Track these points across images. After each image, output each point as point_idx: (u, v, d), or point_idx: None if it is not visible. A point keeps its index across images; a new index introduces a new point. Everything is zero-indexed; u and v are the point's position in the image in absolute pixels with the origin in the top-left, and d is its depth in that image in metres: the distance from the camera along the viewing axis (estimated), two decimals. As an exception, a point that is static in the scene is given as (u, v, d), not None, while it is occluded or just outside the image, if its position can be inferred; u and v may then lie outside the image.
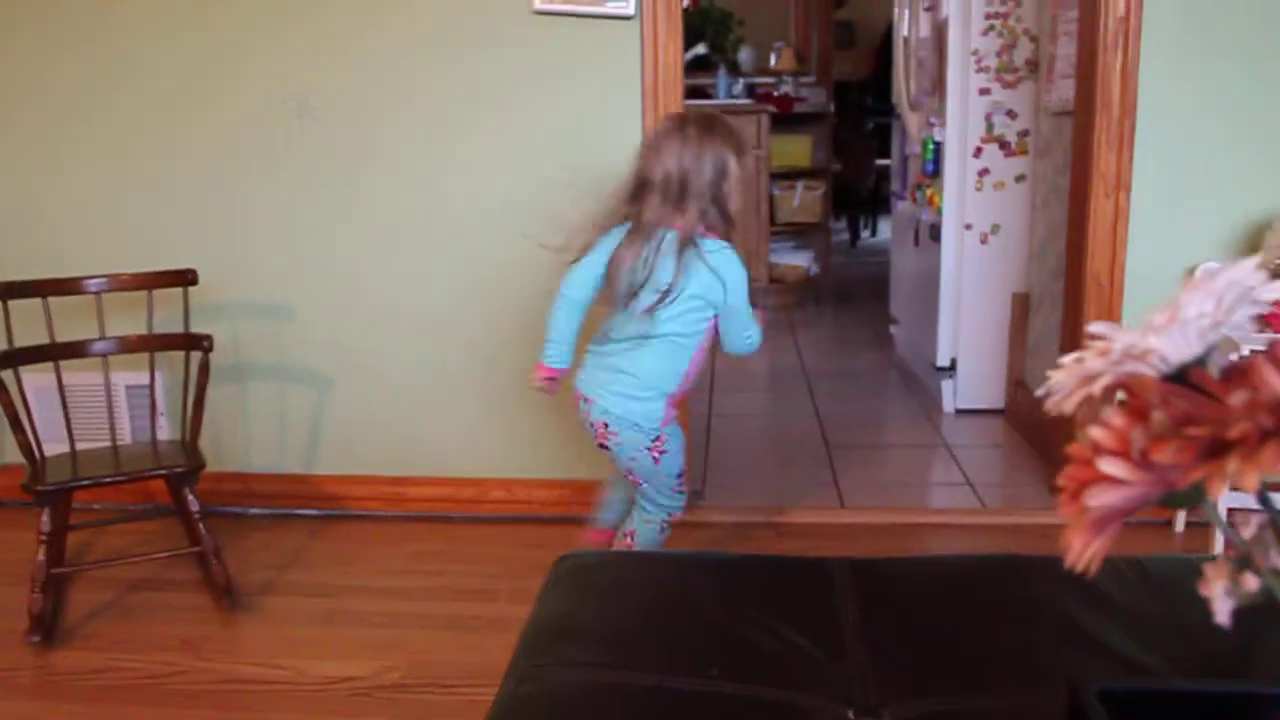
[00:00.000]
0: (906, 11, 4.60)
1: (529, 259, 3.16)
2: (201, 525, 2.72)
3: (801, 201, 5.87)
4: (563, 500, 3.29)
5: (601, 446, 2.48)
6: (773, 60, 6.40)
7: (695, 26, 6.22)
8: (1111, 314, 3.12)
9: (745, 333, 2.43)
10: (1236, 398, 0.56)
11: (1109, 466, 0.60)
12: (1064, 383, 0.69)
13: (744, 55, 6.29)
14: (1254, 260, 0.69)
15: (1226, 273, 0.67)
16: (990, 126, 3.99)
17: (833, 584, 1.24)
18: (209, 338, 2.77)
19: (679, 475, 2.54)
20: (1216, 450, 0.56)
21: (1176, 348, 0.65)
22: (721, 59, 6.11)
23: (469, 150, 3.13)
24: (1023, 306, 4.04)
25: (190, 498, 2.71)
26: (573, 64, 3.05)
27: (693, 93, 6.01)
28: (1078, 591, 1.24)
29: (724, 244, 2.36)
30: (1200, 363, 0.66)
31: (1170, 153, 3.05)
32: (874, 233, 7.38)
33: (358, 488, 3.32)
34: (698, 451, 3.76)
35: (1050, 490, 3.42)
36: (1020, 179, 4.00)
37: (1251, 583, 0.62)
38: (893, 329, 4.95)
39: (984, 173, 4.01)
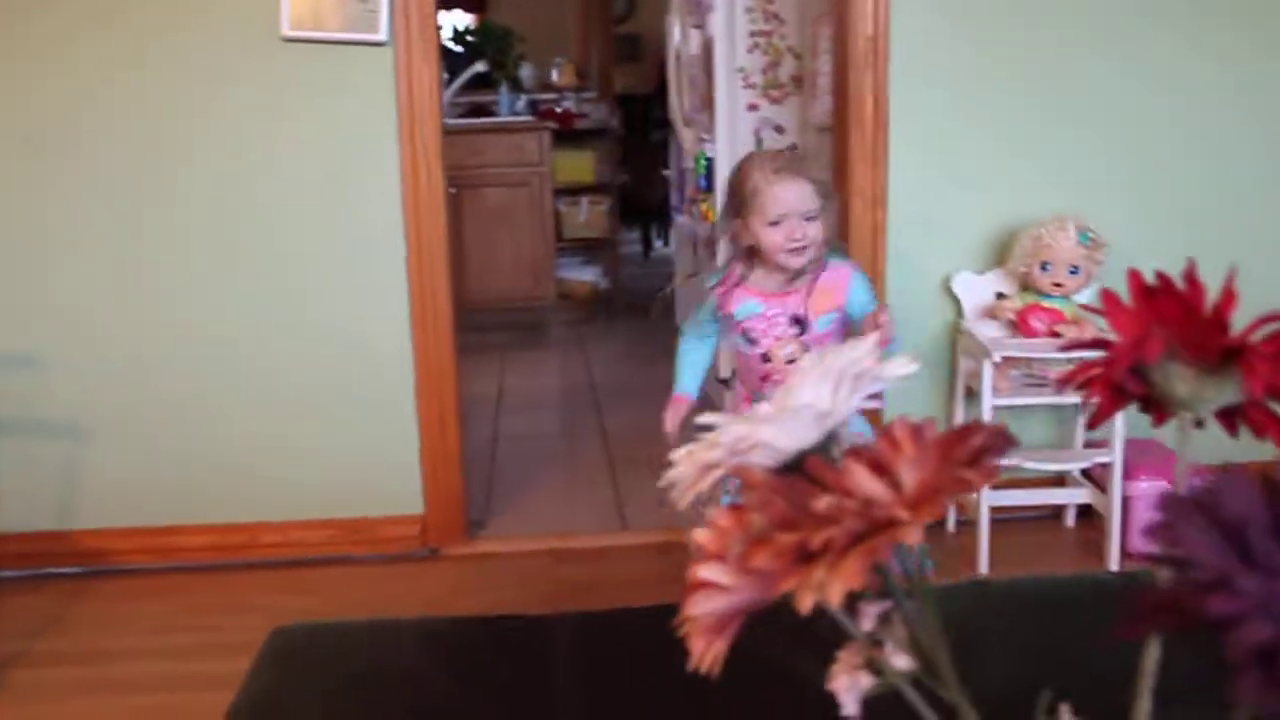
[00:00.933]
0: (677, 28, 4.65)
1: (286, 295, 3.07)
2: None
3: (587, 217, 5.88)
4: (336, 540, 3.19)
5: None
6: (554, 76, 6.39)
7: (476, 44, 6.16)
8: (875, 326, 3.20)
9: None
10: (821, 502, 0.55)
11: (706, 572, 0.58)
12: (684, 474, 0.67)
13: (525, 72, 6.26)
14: (871, 340, 0.68)
15: (842, 355, 0.66)
16: (759, 142, 4.05)
17: (553, 645, 1.22)
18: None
19: None
20: (809, 556, 0.54)
21: (790, 437, 0.63)
22: (503, 76, 6.07)
23: (221, 182, 3.01)
24: (799, 317, 4.11)
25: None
26: (326, 92, 2.97)
27: (475, 110, 5.96)
28: (809, 641, 1.25)
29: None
30: (824, 449, 0.65)
31: (924, 166, 3.15)
32: (666, 242, 7.42)
33: (121, 541, 3.14)
34: (481, 479, 3.70)
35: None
36: (790, 192, 4.07)
37: (867, 680, 0.62)
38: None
39: (755, 186, 4.07)
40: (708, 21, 4.12)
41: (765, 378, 2.49)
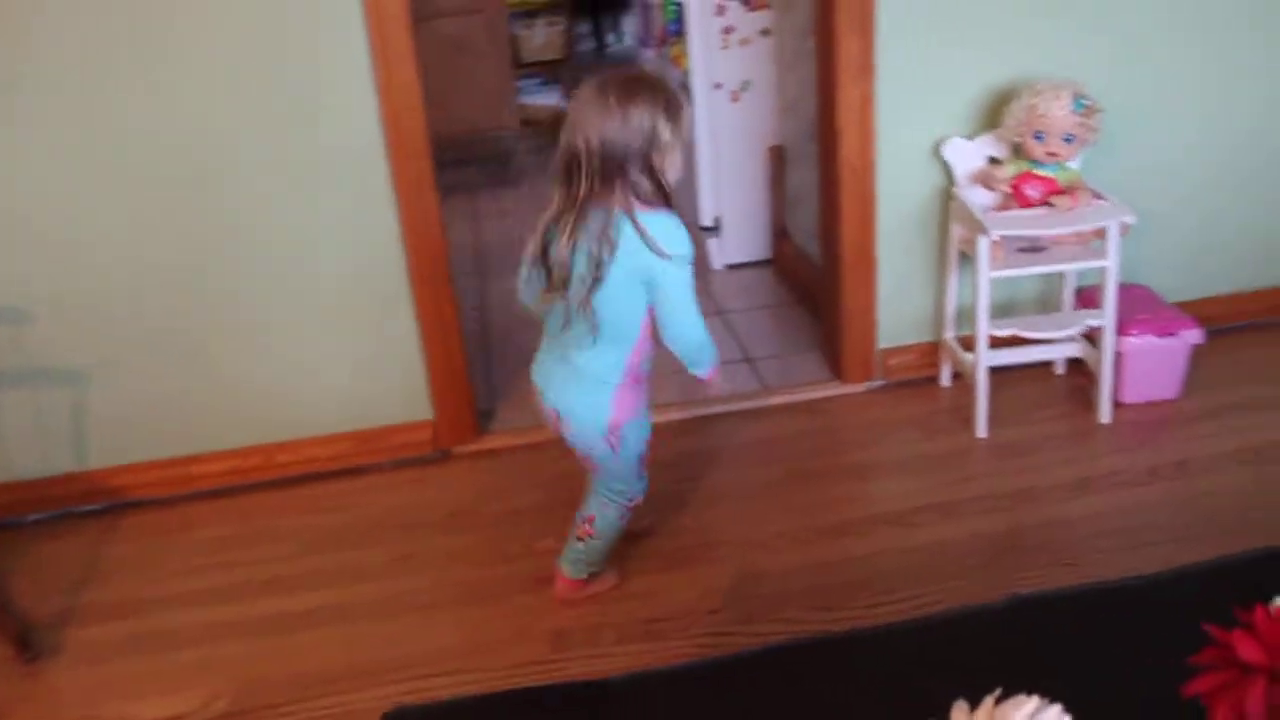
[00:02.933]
0: None
1: (256, 202, 2.98)
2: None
3: (544, 38, 5.67)
4: (351, 453, 3.25)
5: (560, 434, 2.45)
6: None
7: None
8: (865, 200, 3.19)
9: (689, 320, 2.27)
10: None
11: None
12: None
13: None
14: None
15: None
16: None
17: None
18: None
19: (639, 460, 2.47)
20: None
21: None
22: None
23: (183, 95, 2.85)
24: (779, 159, 4.07)
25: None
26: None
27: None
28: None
29: (665, 214, 2.17)
30: None
31: (911, 28, 3.05)
32: (620, 37, 7.18)
33: (138, 475, 3.17)
34: (479, 358, 3.72)
35: (821, 353, 3.57)
36: (765, 33, 3.95)
37: None
38: (654, 173, 4.91)
39: (728, 30, 3.94)
40: None
41: None
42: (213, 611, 2.76)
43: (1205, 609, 1.45)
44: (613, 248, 2.14)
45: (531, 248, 2.27)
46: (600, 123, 2.11)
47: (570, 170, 2.17)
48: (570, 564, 2.60)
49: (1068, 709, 0.98)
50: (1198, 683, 0.87)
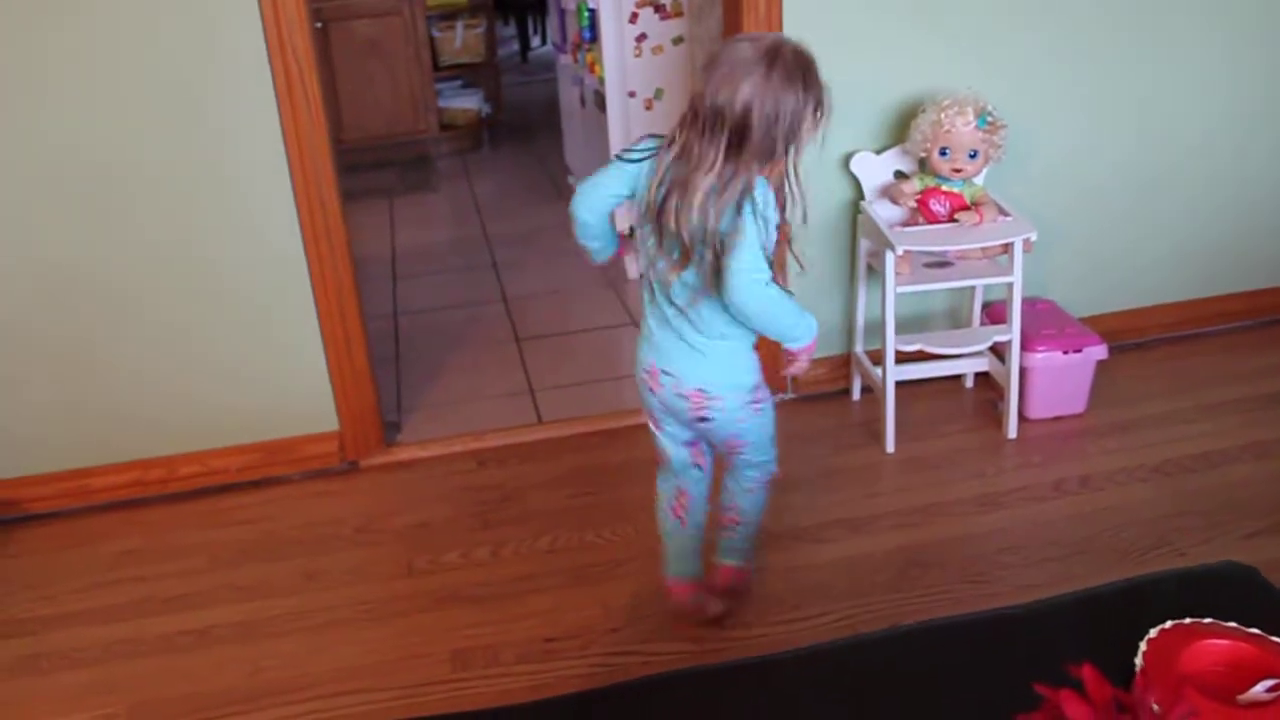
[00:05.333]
0: None
1: (155, 211, 2.91)
2: None
3: (464, 41, 5.61)
4: (258, 464, 3.20)
5: (700, 420, 2.26)
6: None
7: None
8: (777, 213, 3.19)
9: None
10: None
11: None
12: None
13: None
14: None
15: None
16: (645, -8, 3.89)
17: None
18: None
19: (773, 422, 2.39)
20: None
21: None
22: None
23: (49, 84, 2.76)
24: (694, 168, 4.06)
25: None
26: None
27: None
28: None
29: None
30: None
31: (819, 40, 3.03)
32: (544, 39, 7.14)
33: (37, 488, 3.09)
34: (388, 367, 3.68)
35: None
36: (678, 41, 3.95)
37: None
38: (571, 180, 4.90)
39: (642, 38, 3.94)
40: None
41: None
42: (111, 630, 2.70)
43: (1079, 640, 1.49)
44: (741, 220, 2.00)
45: (644, 204, 2.07)
46: (759, 96, 1.95)
47: (709, 125, 1.98)
48: (733, 554, 2.57)
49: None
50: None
